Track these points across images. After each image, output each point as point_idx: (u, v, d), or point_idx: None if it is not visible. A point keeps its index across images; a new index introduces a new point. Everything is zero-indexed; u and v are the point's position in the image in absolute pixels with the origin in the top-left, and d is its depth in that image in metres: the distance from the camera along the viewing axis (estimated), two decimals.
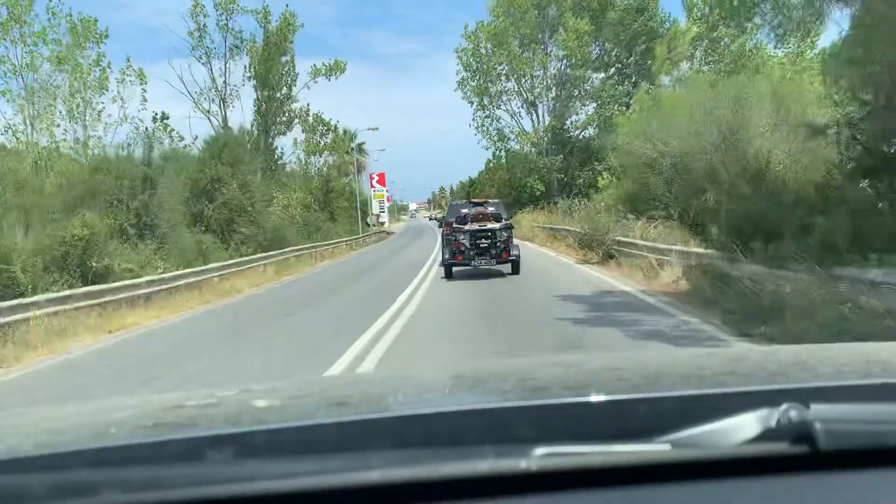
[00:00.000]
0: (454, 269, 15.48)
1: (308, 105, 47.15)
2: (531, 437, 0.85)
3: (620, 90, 39.94)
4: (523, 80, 44.73)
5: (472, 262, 15.56)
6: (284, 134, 44.43)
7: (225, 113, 41.68)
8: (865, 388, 1.03)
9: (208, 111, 40.63)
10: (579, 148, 46.81)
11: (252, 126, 43.56)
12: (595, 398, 1.00)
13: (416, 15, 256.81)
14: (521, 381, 1.28)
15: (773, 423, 0.83)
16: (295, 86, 44.44)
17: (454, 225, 15.95)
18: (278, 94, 44.98)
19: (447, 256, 15.83)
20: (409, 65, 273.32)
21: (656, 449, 0.83)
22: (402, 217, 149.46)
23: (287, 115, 45.23)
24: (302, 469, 0.83)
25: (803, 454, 0.82)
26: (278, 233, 27.40)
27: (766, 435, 0.83)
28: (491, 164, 72.09)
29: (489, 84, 45.25)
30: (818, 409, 0.84)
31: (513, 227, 16.10)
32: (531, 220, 34.42)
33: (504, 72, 45.95)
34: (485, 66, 45.06)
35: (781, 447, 0.82)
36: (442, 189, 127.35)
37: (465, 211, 16.49)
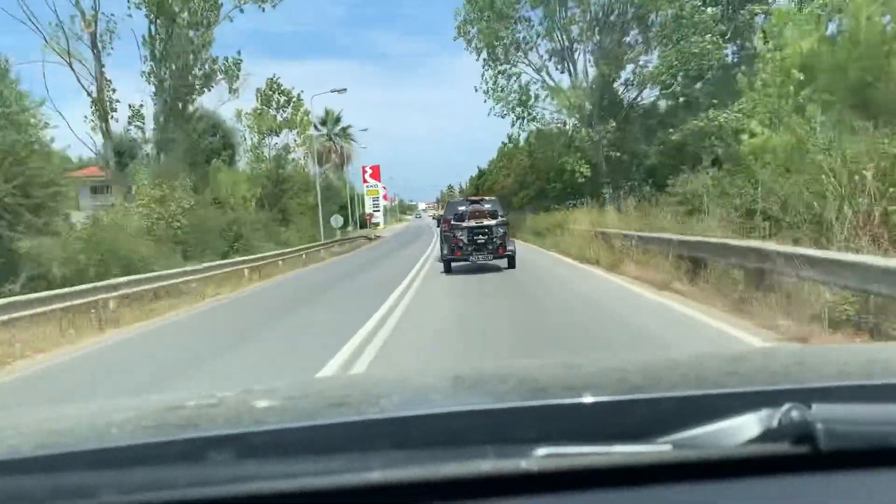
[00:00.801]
0: (453, 264, 17.66)
1: (240, 54, 29.97)
2: (532, 437, 0.90)
3: (710, 14, 28.82)
4: (557, 16, 27.36)
5: (470, 257, 17.24)
6: (201, 93, 27.08)
7: (100, 58, 24.41)
8: (867, 389, 1.08)
9: (68, 52, 23.74)
10: (641, 114, 29.29)
11: (148, 77, 26.65)
12: (596, 399, 1.05)
13: (422, 14, 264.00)
14: (521, 382, 1.33)
15: (774, 423, 0.89)
16: (217, 23, 26.74)
17: (452, 222, 17.61)
18: (191, 35, 27.19)
19: (446, 252, 17.88)
20: (415, 64, 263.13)
21: (657, 449, 0.89)
22: (407, 217, 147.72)
23: (204, 65, 27.55)
24: (303, 469, 0.88)
25: (805, 454, 0.87)
26: (120, 251, 15.69)
27: (767, 435, 0.88)
28: (506, 148, 53.23)
29: (504, 27, 33.34)
30: (819, 410, 0.89)
31: (508, 224, 18.30)
32: (589, 223, 22.04)
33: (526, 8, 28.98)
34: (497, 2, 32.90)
35: (783, 447, 0.88)
36: (450, 187, 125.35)
37: (462, 209, 18.07)
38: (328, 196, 53.91)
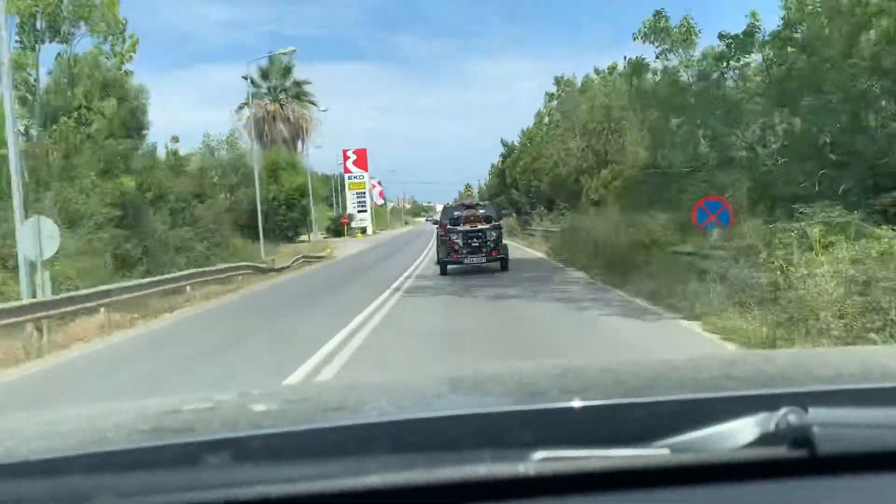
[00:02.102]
0: (448, 266, 18.35)
1: None
2: (529, 440, 0.90)
3: None
4: None
5: (465, 259, 17.89)
6: None
7: None
8: (864, 392, 1.07)
9: None
10: None
11: None
12: (594, 402, 1.05)
13: (444, 17, 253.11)
14: (519, 386, 1.31)
15: (771, 427, 0.88)
16: None
17: (448, 226, 18.27)
18: None
19: (442, 255, 18.47)
20: (436, 67, 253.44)
21: (655, 453, 0.88)
22: (419, 219, 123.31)
23: None
24: (299, 474, 0.87)
25: (801, 458, 0.87)
26: None
27: (764, 439, 0.88)
28: (554, 100, 34.33)
29: None
30: (816, 413, 0.89)
31: (502, 228, 18.92)
32: None
33: None
34: None
35: (780, 451, 0.87)
36: (468, 186, 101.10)
37: (457, 213, 18.70)
38: (242, 181, 28.28)
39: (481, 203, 20.10)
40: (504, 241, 18.78)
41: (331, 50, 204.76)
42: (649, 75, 19.13)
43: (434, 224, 48.16)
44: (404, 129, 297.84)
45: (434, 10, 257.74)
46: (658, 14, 17.88)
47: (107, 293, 13.59)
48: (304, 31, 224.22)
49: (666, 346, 8.73)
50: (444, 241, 18.16)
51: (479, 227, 17.69)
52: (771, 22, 14.99)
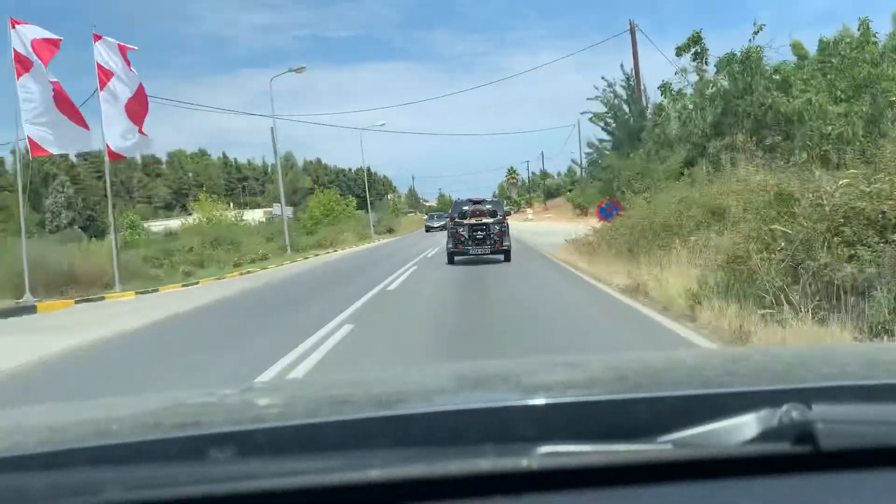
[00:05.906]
0: (456, 257, 20.30)
1: None
2: (533, 435, 0.91)
3: None
4: None
5: (470, 251, 19.98)
6: None
7: None
8: (868, 389, 1.08)
9: None
10: None
11: None
12: (597, 397, 1.06)
13: (480, 13, 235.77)
14: (522, 380, 1.33)
15: (774, 422, 0.89)
16: None
17: (456, 220, 20.45)
18: None
19: (451, 246, 20.47)
20: (471, 64, 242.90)
21: (658, 448, 0.90)
22: (434, 224, 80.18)
23: None
24: (304, 467, 0.88)
25: (805, 454, 0.88)
26: None
27: (767, 435, 0.89)
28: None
29: None
30: (820, 410, 0.90)
31: (506, 222, 20.58)
32: None
33: None
34: None
35: (783, 447, 0.88)
36: (512, 170, 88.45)
37: (465, 208, 20.71)
38: None
39: (488, 199, 21.89)
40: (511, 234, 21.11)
41: (368, 51, 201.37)
42: None
43: (428, 228, 51.34)
44: (442, 127, 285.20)
45: (470, 6, 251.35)
46: None
47: None
48: (342, 34, 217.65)
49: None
50: (452, 234, 20.11)
51: (484, 220, 19.57)
52: None
